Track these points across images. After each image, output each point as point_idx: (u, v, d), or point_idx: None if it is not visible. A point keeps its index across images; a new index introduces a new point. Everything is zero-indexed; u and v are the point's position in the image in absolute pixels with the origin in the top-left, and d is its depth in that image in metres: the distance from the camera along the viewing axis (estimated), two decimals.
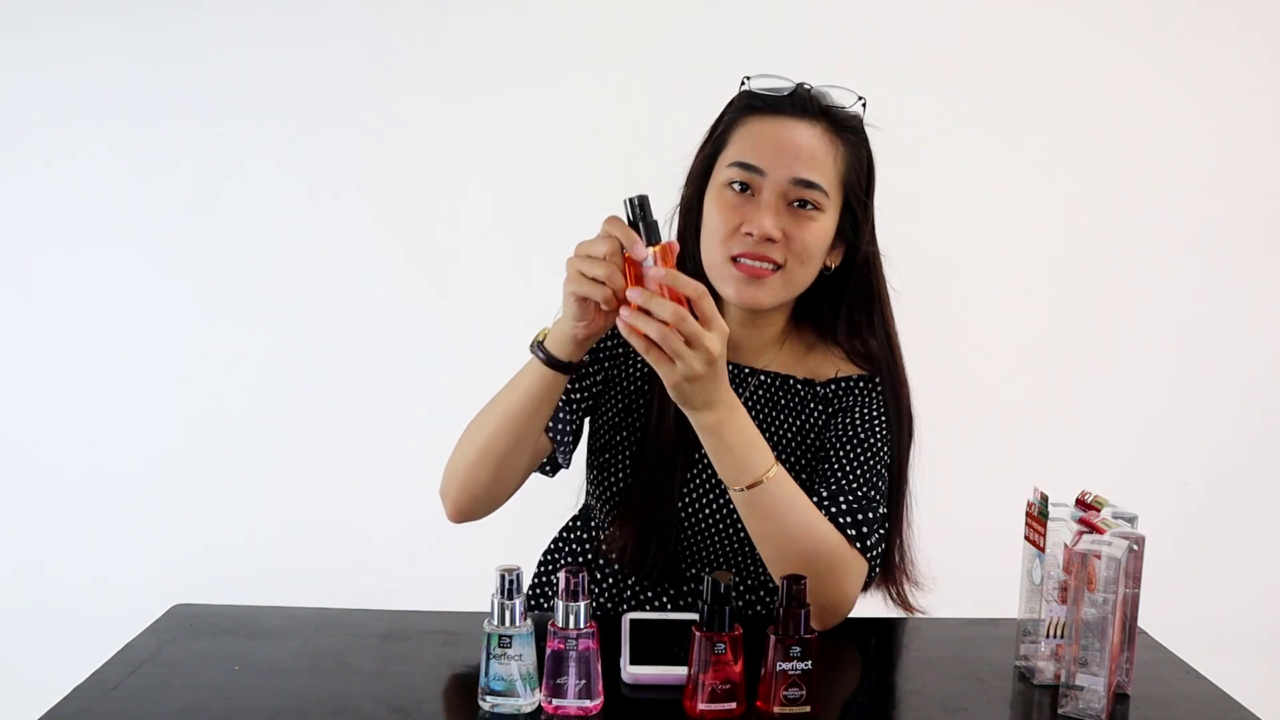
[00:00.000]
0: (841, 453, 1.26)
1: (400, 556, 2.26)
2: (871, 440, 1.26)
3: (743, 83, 1.25)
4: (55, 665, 1.34)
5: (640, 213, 1.03)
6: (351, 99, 2.30)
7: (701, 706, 0.96)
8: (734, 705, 0.96)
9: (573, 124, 2.25)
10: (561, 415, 1.27)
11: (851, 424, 1.27)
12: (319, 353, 2.35)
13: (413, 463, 2.17)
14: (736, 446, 1.09)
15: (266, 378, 2.35)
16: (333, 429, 2.37)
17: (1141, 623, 1.05)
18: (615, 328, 1.08)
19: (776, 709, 0.96)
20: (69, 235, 2.33)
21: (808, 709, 0.97)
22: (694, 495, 1.27)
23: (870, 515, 1.19)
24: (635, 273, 1.02)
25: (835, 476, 1.23)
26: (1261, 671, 1.80)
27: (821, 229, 1.22)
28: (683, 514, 1.27)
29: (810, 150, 1.21)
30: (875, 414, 1.29)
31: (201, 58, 2.29)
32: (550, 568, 1.39)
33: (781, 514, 1.12)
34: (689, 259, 1.27)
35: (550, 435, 1.26)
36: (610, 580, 1.32)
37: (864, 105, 1.26)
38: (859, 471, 1.24)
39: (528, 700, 0.97)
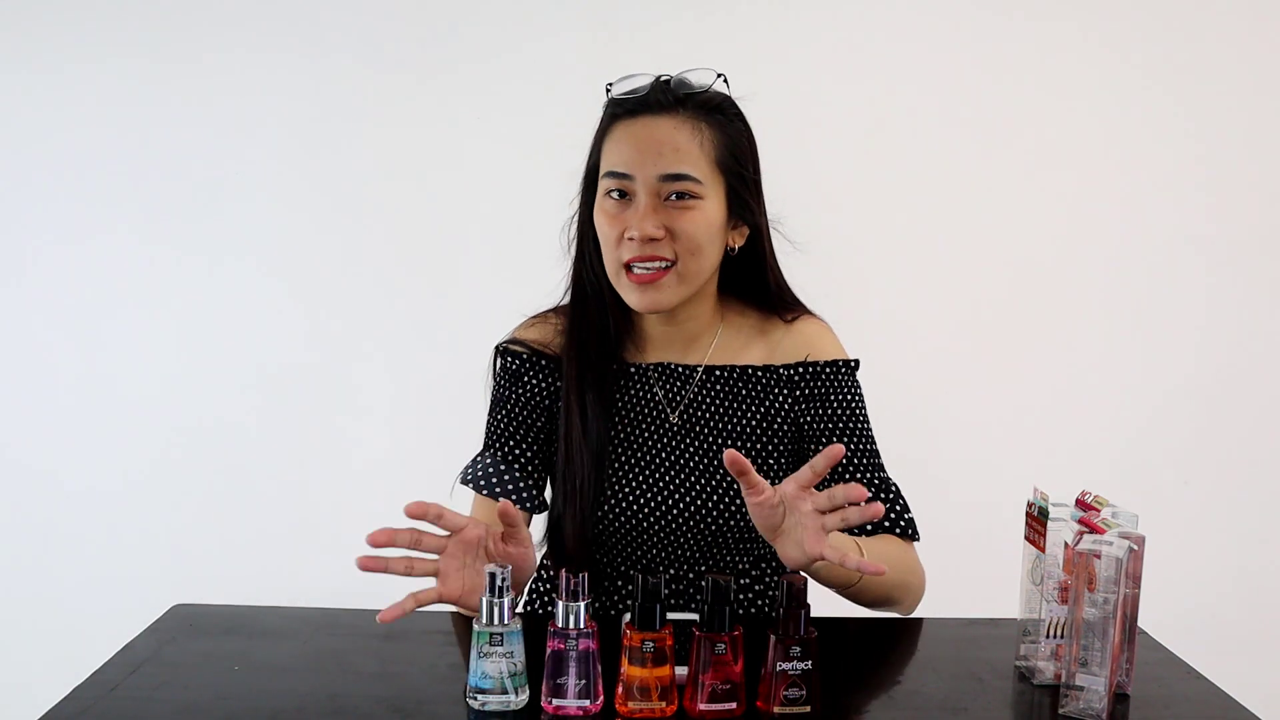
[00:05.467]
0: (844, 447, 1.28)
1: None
2: (863, 426, 1.32)
3: (607, 90, 1.28)
4: (55, 665, 1.34)
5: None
6: (351, 101, 2.30)
7: (701, 706, 0.96)
8: (734, 705, 0.96)
9: (570, 125, 2.26)
10: (521, 483, 1.30)
11: (838, 414, 1.31)
12: (318, 353, 2.35)
13: (413, 462, 2.18)
14: (826, 575, 1.15)
15: (266, 377, 2.35)
16: (333, 429, 2.37)
17: (1141, 623, 1.05)
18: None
19: (776, 709, 0.96)
20: (69, 236, 2.33)
21: (808, 709, 0.97)
22: (615, 501, 1.28)
23: (898, 499, 1.29)
24: None
25: (849, 477, 1.28)
26: (1261, 671, 1.80)
27: (704, 217, 1.23)
28: (609, 519, 1.28)
29: (673, 144, 1.22)
30: (854, 396, 1.33)
31: (200, 59, 2.29)
32: (552, 570, 1.39)
33: (874, 591, 1.21)
34: (591, 272, 1.31)
35: (526, 508, 1.30)
36: (608, 586, 1.32)
37: (725, 81, 1.28)
38: (864, 461, 1.30)
39: (516, 699, 0.97)
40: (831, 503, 1.03)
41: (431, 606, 1.25)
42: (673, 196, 1.22)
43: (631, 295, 1.25)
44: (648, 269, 1.22)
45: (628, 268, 1.23)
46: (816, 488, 1.06)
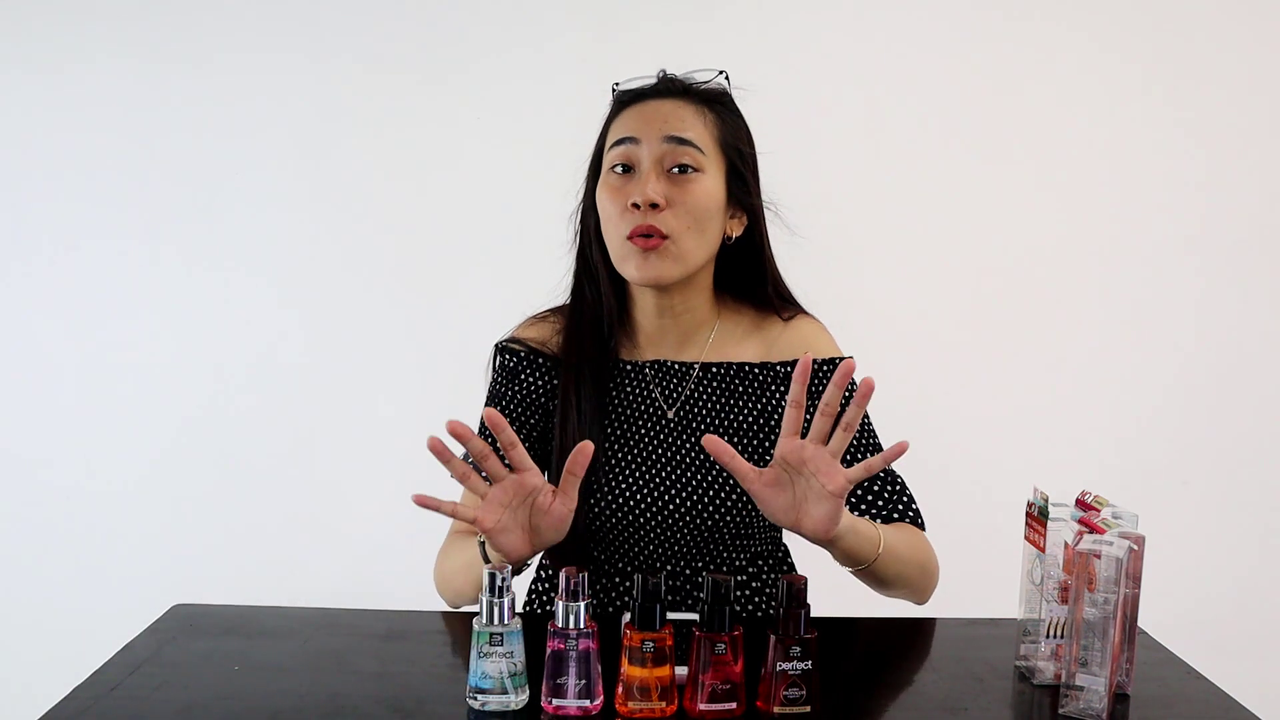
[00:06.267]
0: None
1: (400, 556, 2.27)
2: (863, 421, 1.33)
3: (613, 89, 1.32)
4: (55, 665, 1.34)
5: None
6: (351, 103, 2.30)
7: (701, 706, 0.96)
8: (734, 705, 0.96)
9: (569, 125, 2.26)
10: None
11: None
12: (318, 353, 2.35)
13: (413, 463, 2.18)
14: (848, 546, 1.14)
15: (265, 377, 2.35)
16: (332, 429, 2.37)
17: (1141, 623, 1.05)
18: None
19: (776, 709, 0.96)
20: (69, 237, 2.33)
21: (808, 709, 0.97)
22: (611, 498, 1.28)
23: (904, 491, 1.30)
24: None
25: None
26: (1261, 671, 1.81)
27: (704, 189, 1.25)
28: (605, 515, 1.28)
29: (679, 114, 1.26)
30: (852, 393, 1.32)
31: (200, 60, 2.29)
32: (551, 569, 1.40)
33: (895, 569, 1.20)
34: (592, 265, 1.32)
35: None
36: (606, 583, 1.33)
37: (726, 78, 1.32)
38: (869, 454, 1.30)
39: (516, 699, 0.97)
40: (829, 416, 1.02)
41: (430, 606, 1.26)
42: (675, 170, 1.24)
43: (632, 265, 1.25)
44: (649, 236, 1.23)
45: (629, 238, 1.24)
46: None
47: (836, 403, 1.02)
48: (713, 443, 1.04)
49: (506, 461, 1.05)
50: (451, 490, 1.09)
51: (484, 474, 1.06)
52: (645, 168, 1.24)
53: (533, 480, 1.06)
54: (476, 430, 1.06)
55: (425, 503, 1.01)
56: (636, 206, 1.23)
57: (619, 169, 1.26)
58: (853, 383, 1.05)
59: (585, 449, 1.04)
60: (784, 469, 1.05)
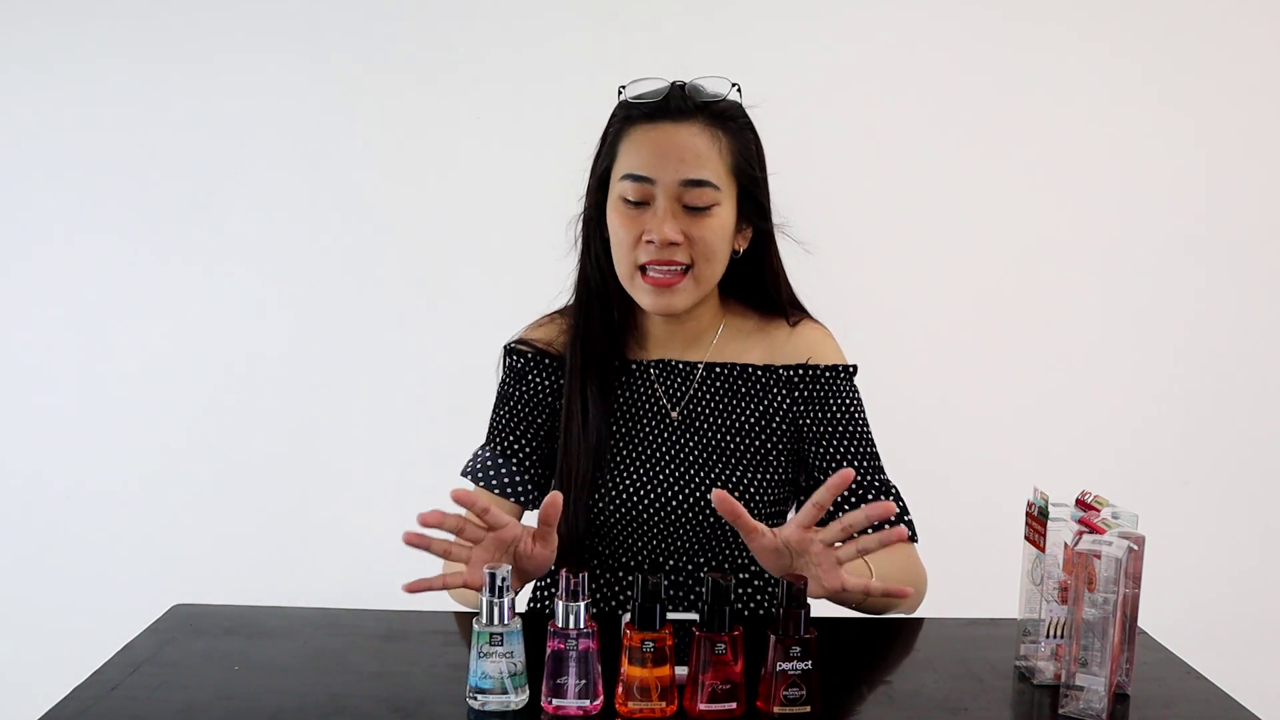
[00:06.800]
0: (842, 449, 1.28)
1: (400, 556, 2.27)
2: (863, 429, 1.33)
3: (620, 91, 1.28)
4: (55, 665, 1.34)
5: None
6: (351, 103, 2.30)
7: (701, 706, 0.96)
8: (734, 705, 0.96)
9: (570, 126, 2.26)
10: (517, 477, 1.32)
11: (838, 418, 1.32)
12: (318, 354, 2.35)
13: (413, 463, 2.18)
14: (841, 599, 1.15)
15: (266, 378, 2.35)
16: (332, 429, 2.37)
17: (1141, 623, 1.05)
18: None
19: (776, 709, 0.96)
20: (69, 237, 2.33)
21: (808, 709, 0.97)
22: (615, 494, 1.29)
23: (897, 500, 1.30)
24: None
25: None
26: (1261, 671, 1.80)
27: (720, 224, 1.26)
28: (608, 511, 1.29)
29: (694, 150, 1.24)
30: (854, 400, 1.34)
31: (197, 59, 2.29)
32: (552, 569, 1.40)
33: (884, 603, 1.22)
34: (597, 269, 1.32)
35: (519, 502, 1.32)
36: (609, 578, 1.33)
37: (739, 90, 1.29)
38: (865, 464, 1.31)
39: (516, 699, 0.97)
40: (845, 533, 1.04)
41: (431, 606, 1.26)
42: (691, 208, 1.24)
43: (646, 298, 1.26)
44: (665, 273, 1.24)
45: (643, 270, 1.25)
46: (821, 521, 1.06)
47: (858, 527, 1.03)
48: (722, 499, 1.05)
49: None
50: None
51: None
52: (661, 205, 1.23)
53: (512, 532, 1.09)
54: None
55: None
56: (651, 241, 1.23)
57: (632, 199, 1.25)
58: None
59: (555, 501, 1.07)
60: (787, 546, 1.07)
